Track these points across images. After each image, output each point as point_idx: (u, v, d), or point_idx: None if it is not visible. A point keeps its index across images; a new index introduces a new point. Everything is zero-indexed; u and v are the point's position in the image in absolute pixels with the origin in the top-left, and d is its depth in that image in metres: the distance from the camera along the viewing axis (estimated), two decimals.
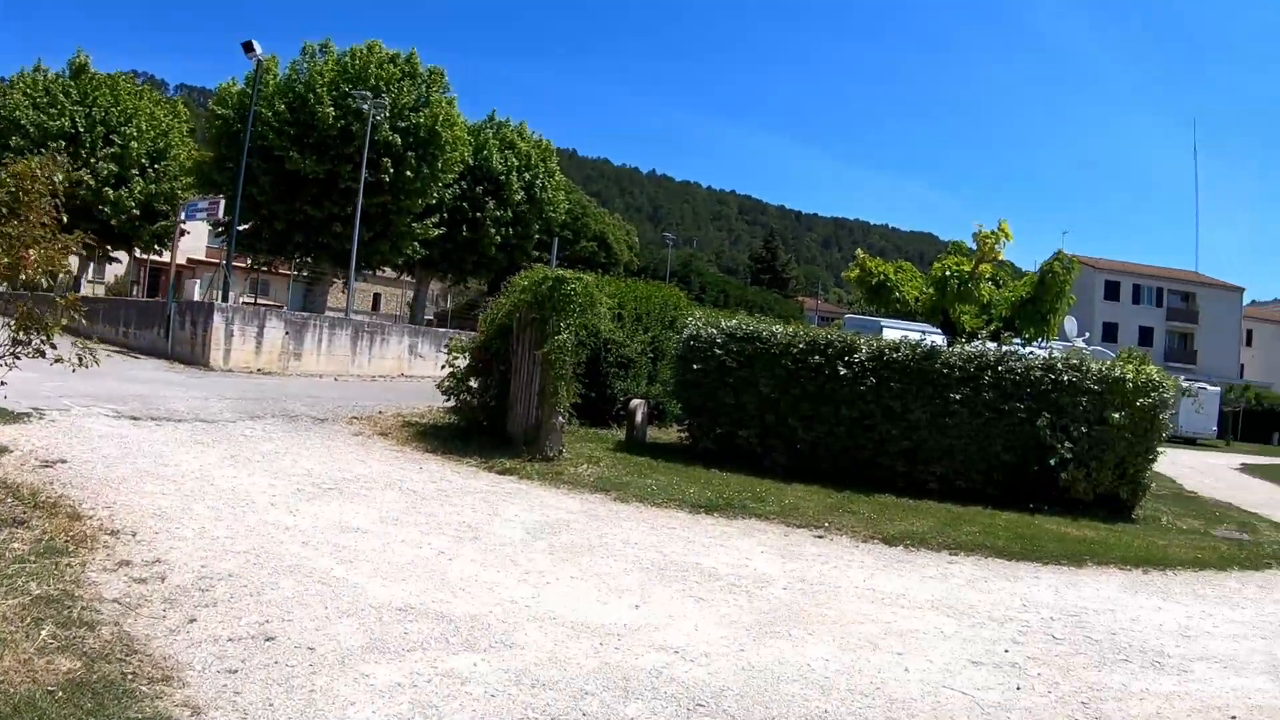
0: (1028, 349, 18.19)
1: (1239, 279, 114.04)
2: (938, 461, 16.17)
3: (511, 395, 16.35)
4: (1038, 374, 16.07)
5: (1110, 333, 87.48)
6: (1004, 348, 16.99)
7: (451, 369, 17.42)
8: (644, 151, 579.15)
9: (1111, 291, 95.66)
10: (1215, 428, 60.55)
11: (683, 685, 6.32)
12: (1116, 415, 15.71)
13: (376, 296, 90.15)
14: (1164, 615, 9.87)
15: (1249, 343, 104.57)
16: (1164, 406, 16.24)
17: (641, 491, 13.77)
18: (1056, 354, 16.85)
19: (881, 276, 20.38)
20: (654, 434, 20.35)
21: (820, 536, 12.14)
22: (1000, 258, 19.53)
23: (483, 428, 16.99)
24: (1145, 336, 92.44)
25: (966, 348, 16.80)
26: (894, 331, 21.49)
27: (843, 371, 16.23)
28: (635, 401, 19.40)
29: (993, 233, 18.98)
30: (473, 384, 17.29)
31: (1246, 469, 38.19)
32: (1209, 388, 58.92)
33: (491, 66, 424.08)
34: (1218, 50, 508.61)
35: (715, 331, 17.41)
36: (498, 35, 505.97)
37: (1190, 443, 54.07)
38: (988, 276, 20.28)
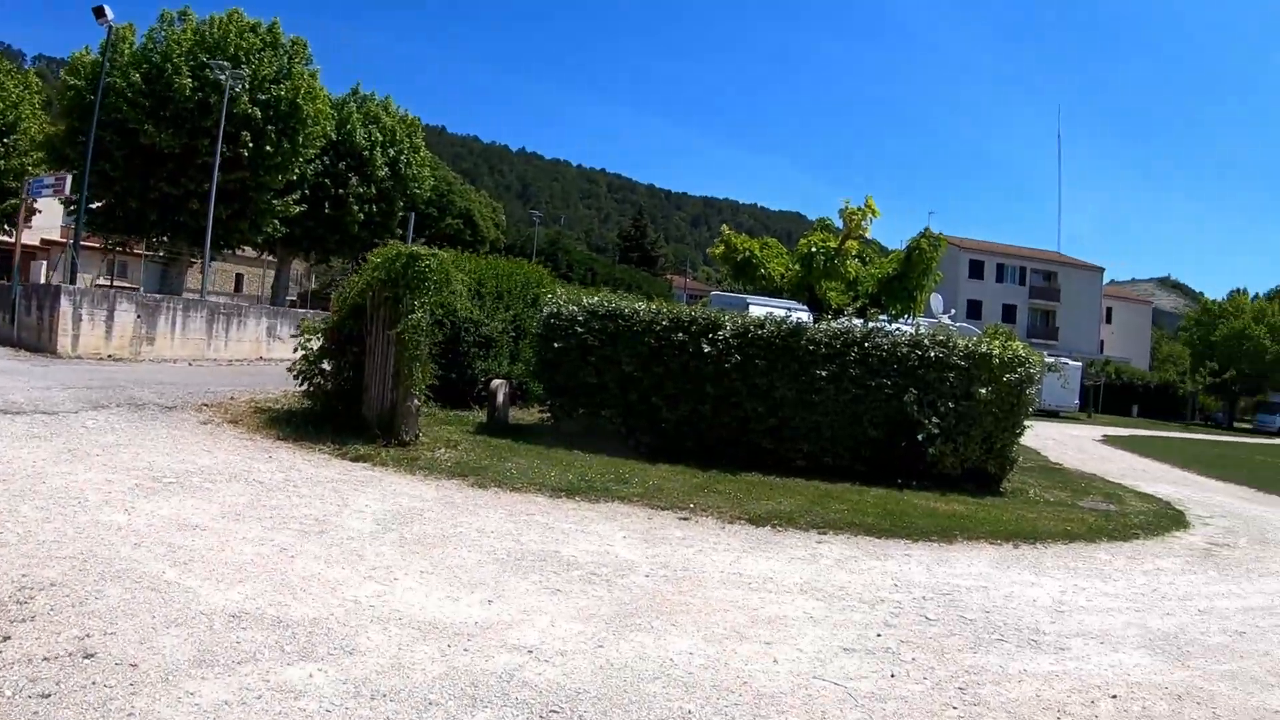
0: (894, 325, 17.99)
1: (1099, 259, 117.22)
2: (805, 439, 16.02)
3: (366, 378, 15.63)
4: (904, 350, 16.01)
5: (975, 310, 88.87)
6: (870, 324, 16.79)
7: (304, 351, 16.50)
8: (513, 129, 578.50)
9: (976, 270, 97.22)
10: (1078, 401, 62.05)
11: (535, 689, 5.84)
12: (983, 390, 15.77)
13: (239, 277, 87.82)
14: (1037, 590, 9.81)
15: (1108, 320, 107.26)
16: (1030, 381, 16.40)
17: (500, 476, 13.23)
18: (923, 330, 16.71)
19: (747, 253, 19.91)
20: (517, 415, 19.85)
21: (685, 518, 11.75)
22: (867, 234, 19.20)
23: (337, 412, 16.17)
24: (1009, 314, 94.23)
25: (832, 324, 16.60)
26: (761, 308, 21.29)
27: (707, 349, 15.96)
28: (496, 382, 18.85)
29: (859, 209, 18.67)
30: (326, 367, 16.46)
31: (1108, 440, 39.21)
32: (1071, 363, 60.32)
33: (358, 38, 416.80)
34: (1081, 40, 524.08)
35: (577, 309, 16.99)
36: (364, 6, 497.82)
37: (1054, 415, 55.46)
38: (855, 253, 20.06)
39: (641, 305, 17.11)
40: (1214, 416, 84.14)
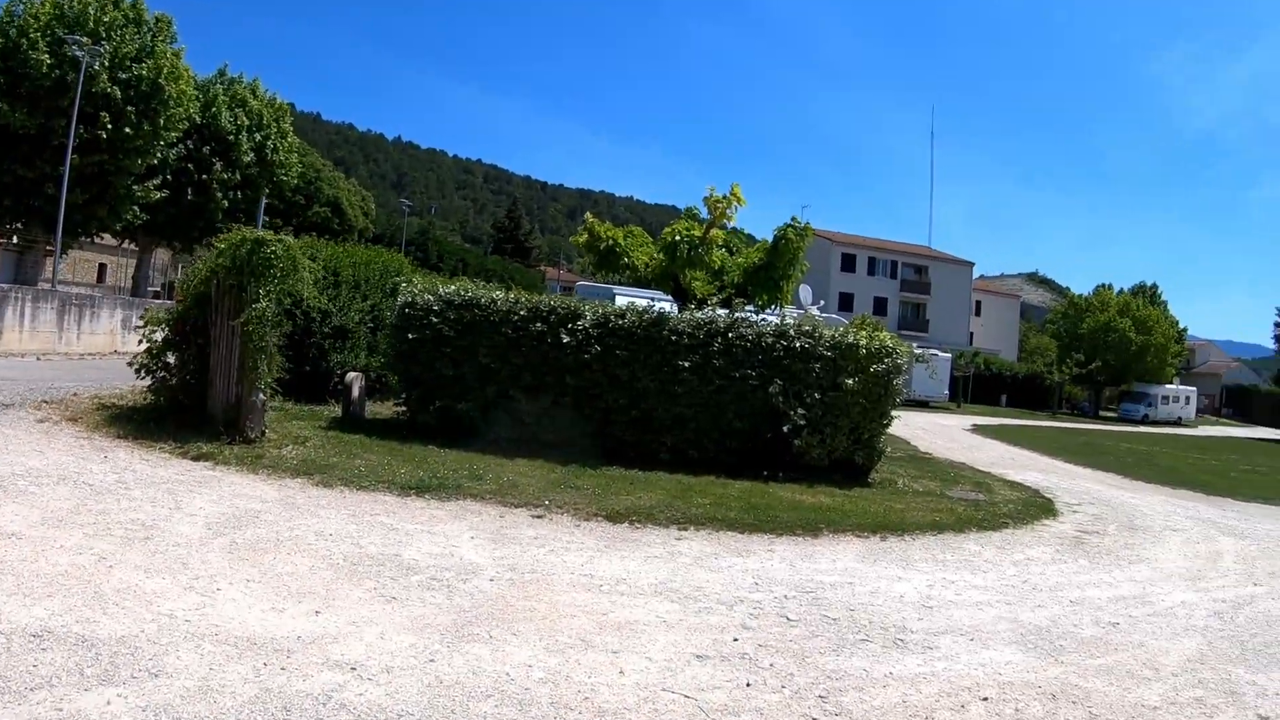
0: (761, 316, 17.75)
1: (969, 255, 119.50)
2: (668, 431, 15.74)
3: (211, 371, 14.80)
4: (770, 340, 15.83)
5: (847, 303, 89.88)
6: (736, 314, 16.47)
7: (149, 343, 15.64)
8: (390, 117, 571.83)
9: (848, 263, 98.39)
10: (947, 391, 62.78)
11: (354, 713, 5.29)
12: (850, 381, 15.67)
13: (102, 267, 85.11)
14: (904, 585, 9.57)
15: (978, 313, 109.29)
16: (897, 372, 16.34)
17: (348, 474, 12.55)
18: (790, 321, 16.47)
19: (610, 241, 19.44)
20: (375, 409, 19.13)
21: (539, 516, 11.25)
22: (733, 222, 18.92)
23: (183, 408, 15.31)
24: (880, 306, 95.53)
25: (696, 314, 16.28)
26: (627, 299, 20.86)
27: (566, 339, 15.55)
28: (351, 375, 18.13)
29: (725, 197, 18.34)
30: (170, 359, 15.60)
31: (978, 429, 39.71)
32: (940, 354, 61.04)
33: (226, 17, 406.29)
34: (957, 42, 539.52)
35: (433, 298, 16.37)
36: None
37: (924, 405, 56.27)
38: (721, 243, 19.79)
39: (499, 294, 16.56)
40: (1080, 406, 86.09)
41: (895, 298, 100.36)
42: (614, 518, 11.40)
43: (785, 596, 8.63)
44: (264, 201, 32.85)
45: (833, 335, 16.09)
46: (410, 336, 16.28)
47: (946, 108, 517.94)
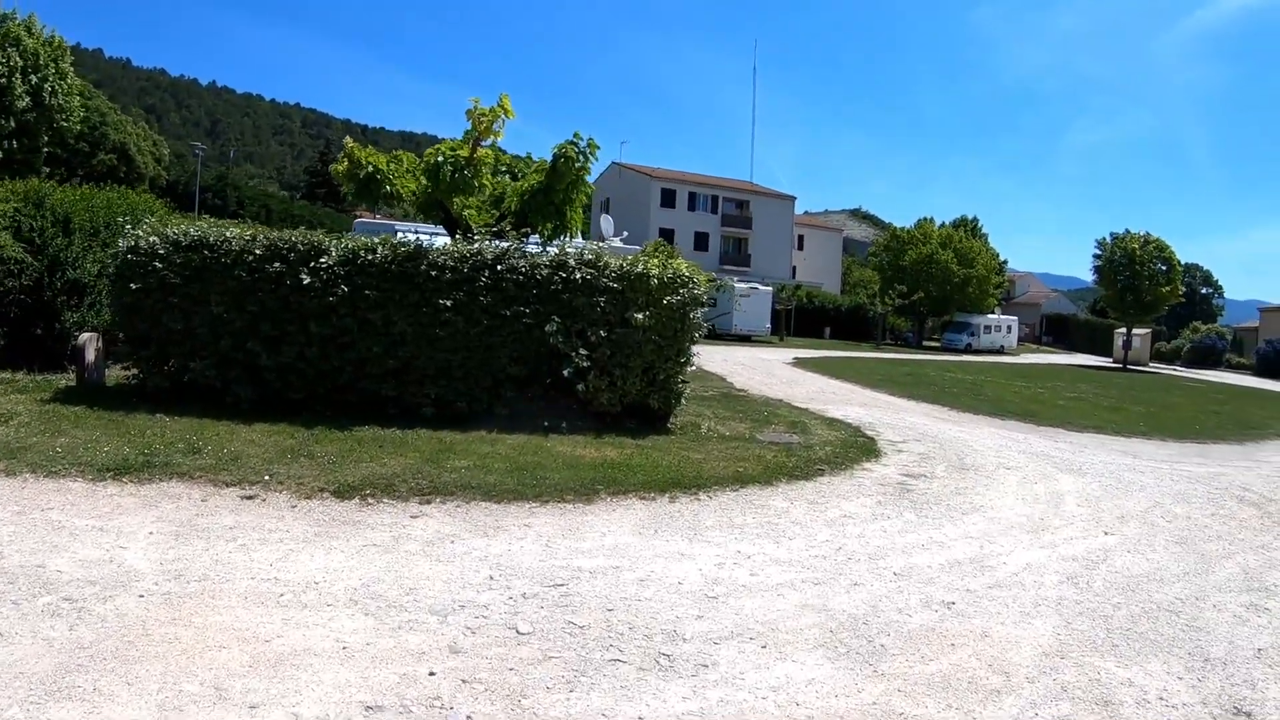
0: (545, 247, 15.89)
1: (792, 191, 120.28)
2: (432, 381, 13.84)
3: None
4: (545, 273, 14.05)
5: (668, 238, 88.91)
6: (511, 245, 14.56)
7: None
8: (203, 62, 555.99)
9: (668, 199, 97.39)
10: (769, 325, 61.99)
11: None
12: (640, 315, 14.07)
13: None
14: (687, 566, 7.81)
15: (800, 247, 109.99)
16: (696, 303, 14.81)
17: (41, 457, 10.17)
18: (572, 251, 14.68)
19: (370, 168, 17.23)
20: (121, 375, 16.39)
21: (250, 497, 9.15)
22: (501, 138, 16.79)
23: None
24: (702, 242, 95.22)
25: (461, 246, 14.29)
26: (411, 235, 18.79)
27: (307, 280, 13.38)
28: (84, 336, 15.41)
29: (491, 109, 16.28)
30: None
31: (799, 363, 38.59)
32: (762, 287, 60.37)
33: None
34: None
35: (158, 240, 13.97)
36: None
37: (745, 339, 55.33)
38: (504, 167, 17.87)
39: (233, 231, 14.24)
40: (904, 336, 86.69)
41: (717, 233, 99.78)
42: (343, 493, 9.42)
43: (524, 595, 6.80)
44: None
45: (620, 265, 14.37)
46: (134, 287, 13.83)
47: (768, 56, 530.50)
